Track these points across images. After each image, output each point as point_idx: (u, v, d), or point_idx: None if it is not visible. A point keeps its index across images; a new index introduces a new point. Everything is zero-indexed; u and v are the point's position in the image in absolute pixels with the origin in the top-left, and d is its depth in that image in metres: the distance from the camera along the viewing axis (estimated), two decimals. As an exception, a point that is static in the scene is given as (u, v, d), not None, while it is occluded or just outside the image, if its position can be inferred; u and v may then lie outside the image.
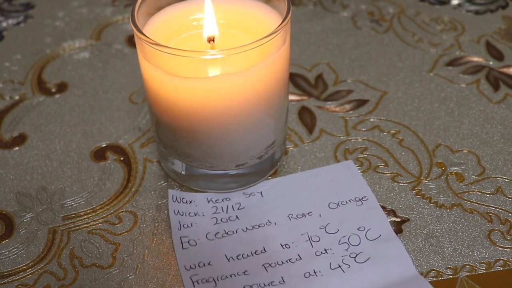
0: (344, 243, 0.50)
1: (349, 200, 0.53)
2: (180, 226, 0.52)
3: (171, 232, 0.51)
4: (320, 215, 0.52)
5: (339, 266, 0.49)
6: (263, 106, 0.49)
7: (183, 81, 0.47)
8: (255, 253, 0.50)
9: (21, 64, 0.69)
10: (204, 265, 0.49)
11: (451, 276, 0.48)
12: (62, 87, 0.65)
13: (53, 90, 0.65)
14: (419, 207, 0.52)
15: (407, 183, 0.54)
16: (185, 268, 0.49)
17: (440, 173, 0.55)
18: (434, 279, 0.48)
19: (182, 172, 0.54)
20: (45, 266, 0.50)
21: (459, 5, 0.73)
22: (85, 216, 0.53)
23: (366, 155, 0.56)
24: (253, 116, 0.49)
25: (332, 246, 0.50)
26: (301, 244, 0.50)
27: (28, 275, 0.49)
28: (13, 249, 0.51)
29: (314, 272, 0.48)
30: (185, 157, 0.52)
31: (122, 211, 0.53)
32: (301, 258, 0.49)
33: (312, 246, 0.50)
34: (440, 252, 0.49)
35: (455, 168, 0.55)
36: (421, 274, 0.48)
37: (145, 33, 0.48)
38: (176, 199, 0.54)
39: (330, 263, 0.49)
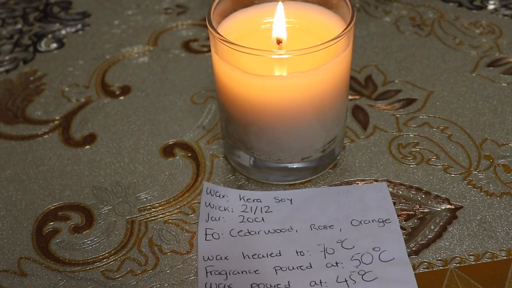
0: (356, 259, 0.51)
1: (372, 220, 0.54)
2: (208, 218, 0.55)
3: (198, 223, 0.55)
4: (340, 230, 0.54)
5: (345, 281, 0.50)
6: (329, 103, 0.53)
7: (256, 78, 0.51)
8: (270, 255, 0.52)
9: (84, 69, 0.73)
10: (221, 258, 0.52)
11: (505, 257, 0.52)
12: (125, 90, 0.69)
13: (117, 92, 0.69)
14: (471, 196, 0.56)
15: (458, 174, 0.58)
16: (203, 259, 0.52)
17: (489, 165, 0.59)
18: (490, 260, 0.51)
19: (249, 165, 0.58)
20: (127, 253, 0.54)
21: (495, 9, 0.77)
22: (160, 208, 0.57)
23: (418, 149, 0.60)
24: (320, 112, 0.53)
25: (344, 260, 0.51)
26: (315, 254, 0.52)
27: (111, 261, 0.53)
28: (95, 238, 0.55)
29: (320, 282, 0.50)
30: (254, 150, 0.56)
31: (195, 202, 0.57)
32: (311, 267, 0.51)
33: (325, 258, 0.52)
34: (494, 236, 0.53)
35: (502, 160, 0.59)
36: (477, 256, 0.52)
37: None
38: (210, 191, 0.57)
39: (338, 276, 0.50)
